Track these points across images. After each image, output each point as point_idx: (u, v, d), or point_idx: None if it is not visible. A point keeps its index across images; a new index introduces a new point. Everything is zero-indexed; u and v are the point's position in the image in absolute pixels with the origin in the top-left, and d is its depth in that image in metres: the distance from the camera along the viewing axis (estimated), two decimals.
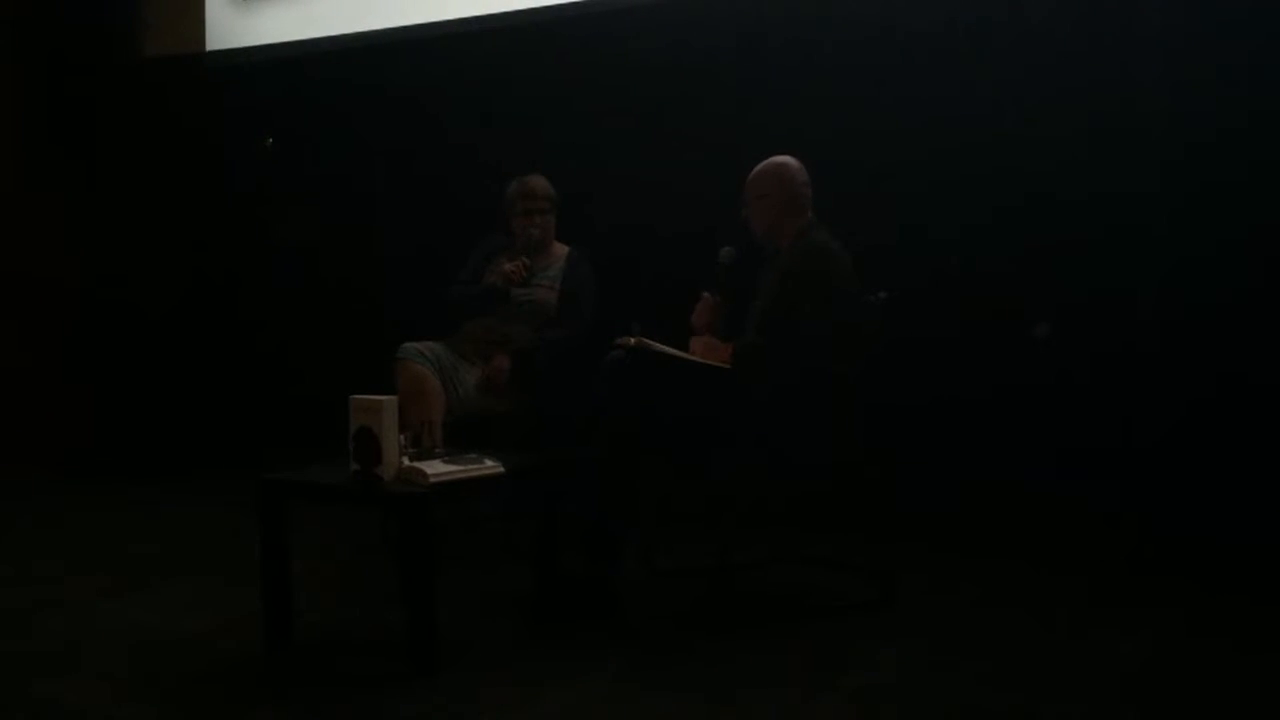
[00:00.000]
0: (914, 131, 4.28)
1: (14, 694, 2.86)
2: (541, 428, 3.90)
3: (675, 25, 4.68)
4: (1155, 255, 3.97)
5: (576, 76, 4.96)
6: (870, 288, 3.47)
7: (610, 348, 3.43)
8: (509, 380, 4.06)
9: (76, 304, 5.79)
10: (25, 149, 5.82)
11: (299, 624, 3.16)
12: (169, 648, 3.16)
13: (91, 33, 5.83)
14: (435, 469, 3.00)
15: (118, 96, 5.85)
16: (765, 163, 3.63)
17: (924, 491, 4.06)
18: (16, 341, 5.77)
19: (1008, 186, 4.16)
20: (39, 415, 5.71)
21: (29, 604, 3.59)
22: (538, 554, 3.31)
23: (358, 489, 3.04)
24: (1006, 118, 4.18)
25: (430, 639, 2.93)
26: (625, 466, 3.32)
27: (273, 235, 5.88)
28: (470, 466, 3.07)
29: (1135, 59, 4.00)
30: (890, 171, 4.28)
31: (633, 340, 3.37)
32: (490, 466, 3.10)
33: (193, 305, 5.95)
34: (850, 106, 4.37)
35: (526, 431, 3.95)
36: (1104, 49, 4.04)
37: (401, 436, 3.07)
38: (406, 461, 3.03)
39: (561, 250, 4.32)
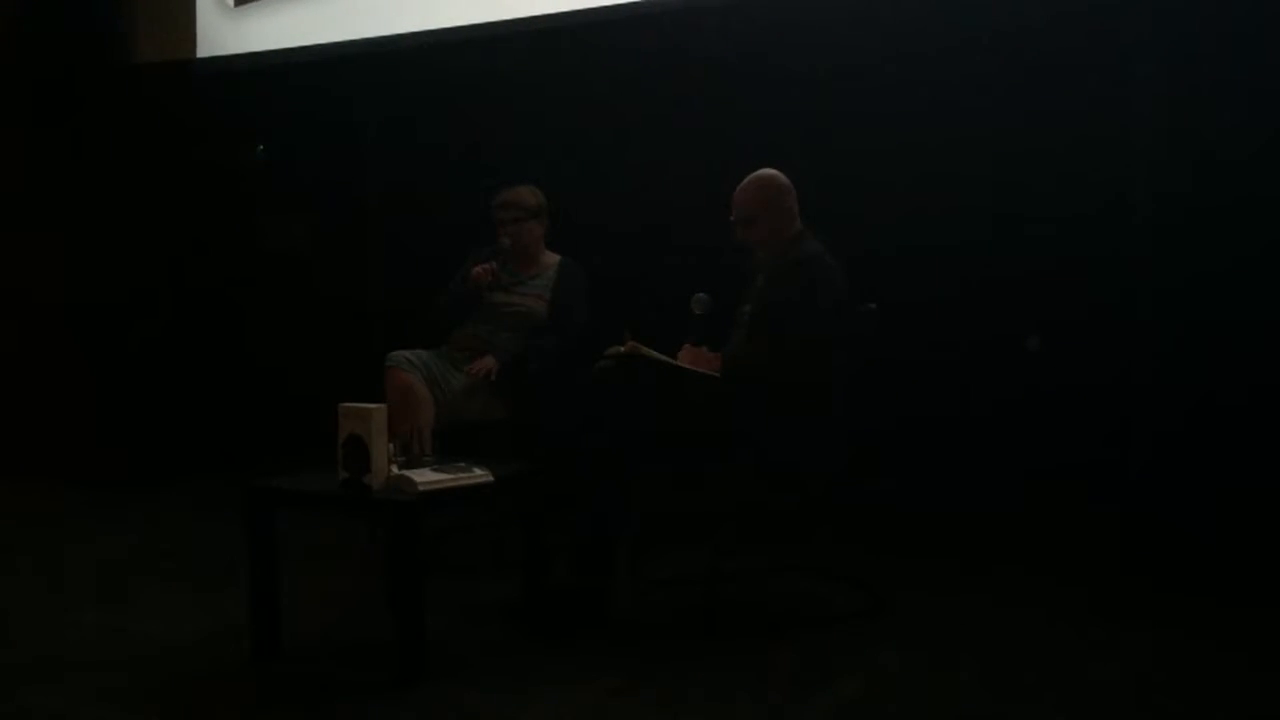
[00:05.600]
0: (909, 145, 4.29)
1: (2, 701, 2.85)
2: (532, 436, 3.89)
3: (670, 36, 4.67)
4: (1154, 261, 3.98)
5: (571, 85, 4.96)
6: (861, 298, 3.47)
7: (600, 357, 3.44)
8: (498, 384, 4.05)
9: (68, 310, 5.77)
10: (17, 155, 5.81)
11: (287, 632, 3.15)
12: (157, 655, 3.16)
13: (83, 39, 5.82)
14: (424, 477, 2.99)
15: (109, 102, 5.84)
16: (750, 178, 3.61)
17: (920, 499, 4.07)
18: (7, 348, 5.75)
19: (1002, 199, 4.17)
20: (30, 421, 5.69)
21: (18, 611, 3.58)
22: (527, 563, 3.30)
23: (346, 497, 3.04)
24: (1002, 132, 4.19)
25: (419, 647, 2.93)
26: (616, 475, 3.32)
27: (264, 242, 5.88)
28: (459, 475, 3.06)
29: (1130, 74, 4.01)
30: (884, 184, 4.29)
31: (624, 347, 3.37)
32: (479, 475, 3.09)
33: (184, 312, 5.94)
34: (847, 119, 4.38)
35: (516, 440, 3.94)
36: (1099, 65, 4.05)
37: (390, 445, 3.07)
38: (395, 470, 3.03)
39: (552, 260, 4.32)
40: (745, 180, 3.62)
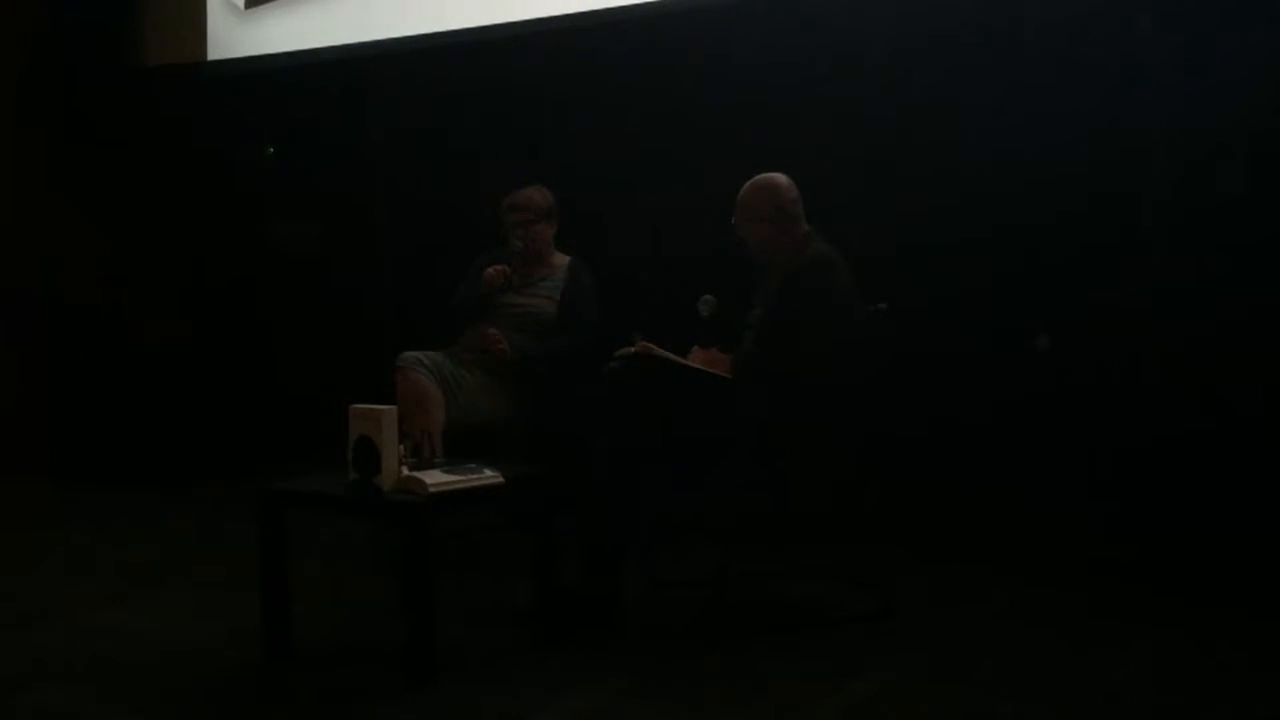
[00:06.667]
0: (911, 145, 4.29)
1: (10, 702, 2.85)
2: (541, 438, 3.89)
3: (678, 38, 4.68)
4: (1155, 262, 3.99)
5: (579, 87, 4.97)
6: (871, 298, 3.47)
7: (610, 359, 3.44)
8: (507, 385, 4.06)
9: (76, 312, 5.78)
10: (25, 159, 5.81)
11: (298, 633, 3.16)
12: (168, 657, 3.16)
13: (93, 42, 5.84)
14: (434, 479, 2.99)
15: (119, 106, 5.86)
16: (751, 182, 3.62)
17: (925, 503, 4.07)
18: (14, 350, 5.76)
19: (1008, 199, 4.18)
20: (37, 424, 5.70)
21: (27, 613, 3.58)
22: (537, 565, 3.30)
23: (357, 498, 3.04)
24: (1008, 130, 4.19)
25: (428, 649, 2.93)
26: (625, 477, 3.32)
27: (274, 244, 5.89)
28: (469, 477, 3.06)
29: (1135, 74, 4.02)
30: (886, 185, 4.29)
31: (634, 348, 3.37)
32: (489, 477, 3.09)
33: (193, 313, 5.95)
34: (854, 120, 4.39)
35: (526, 441, 3.94)
36: (1103, 64, 4.06)
37: (401, 446, 3.07)
38: (406, 471, 3.02)
39: (561, 260, 4.33)
40: (747, 184, 3.62)
